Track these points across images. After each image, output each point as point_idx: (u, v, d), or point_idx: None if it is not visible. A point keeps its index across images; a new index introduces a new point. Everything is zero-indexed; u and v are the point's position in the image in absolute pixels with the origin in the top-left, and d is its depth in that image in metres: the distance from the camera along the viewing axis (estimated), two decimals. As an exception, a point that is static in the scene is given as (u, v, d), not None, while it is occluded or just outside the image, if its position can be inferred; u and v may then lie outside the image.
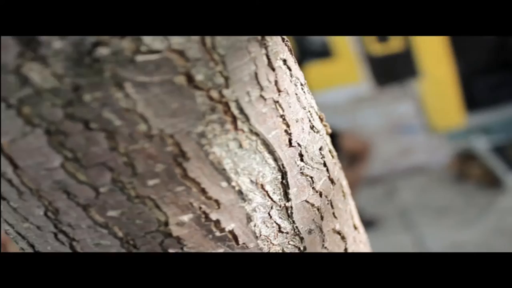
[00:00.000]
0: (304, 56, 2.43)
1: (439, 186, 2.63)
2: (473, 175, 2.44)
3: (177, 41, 0.24)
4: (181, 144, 0.26)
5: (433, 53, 2.35)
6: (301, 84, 0.32)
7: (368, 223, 2.33)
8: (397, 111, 2.55)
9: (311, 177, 0.32)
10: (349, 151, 1.95)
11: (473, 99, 2.55)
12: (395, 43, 2.35)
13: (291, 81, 0.30)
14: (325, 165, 0.33)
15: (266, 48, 0.28)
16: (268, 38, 0.28)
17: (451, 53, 2.38)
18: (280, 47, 0.29)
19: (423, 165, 2.67)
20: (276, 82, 0.29)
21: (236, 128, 0.27)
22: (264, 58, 0.28)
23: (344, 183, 0.37)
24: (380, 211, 2.48)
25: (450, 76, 2.41)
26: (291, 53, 0.31)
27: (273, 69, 0.28)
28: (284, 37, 0.30)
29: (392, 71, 2.40)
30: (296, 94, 0.31)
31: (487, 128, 2.53)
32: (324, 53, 2.47)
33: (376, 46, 2.37)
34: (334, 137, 1.33)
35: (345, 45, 2.40)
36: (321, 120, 0.35)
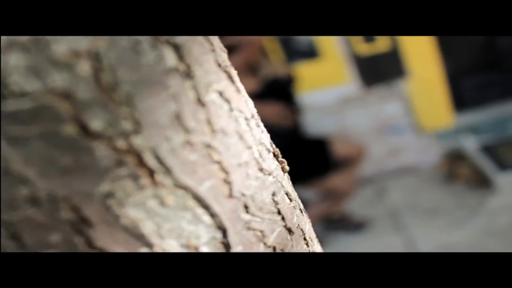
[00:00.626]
0: (291, 56, 2.38)
1: (428, 186, 2.59)
2: (462, 175, 2.41)
3: (57, 78, 0.18)
4: (81, 207, 0.20)
5: (421, 53, 2.31)
6: (246, 118, 0.26)
7: (358, 225, 2.30)
8: (385, 112, 2.51)
9: (261, 231, 0.26)
10: (342, 157, 1.90)
11: (461, 99, 2.52)
12: (381, 43, 2.30)
13: (230, 117, 0.24)
14: (279, 213, 0.28)
15: (192, 79, 0.22)
16: (196, 66, 0.22)
17: (438, 53, 2.34)
18: (214, 75, 0.24)
19: (412, 166, 2.63)
20: (208, 121, 0.23)
21: (154, 183, 0.21)
22: (190, 92, 0.22)
23: (307, 227, 0.32)
24: (369, 212, 2.44)
25: (438, 76, 2.38)
26: (232, 81, 0.26)
27: (203, 105, 0.23)
28: (221, 63, 0.25)
29: (379, 71, 2.35)
30: (238, 132, 0.25)
31: (475, 128, 2.50)
32: (311, 53, 2.41)
33: (362, 46, 2.32)
34: (324, 144, 1.28)
35: (332, 46, 2.35)
36: (276, 157, 0.29)
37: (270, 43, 2.16)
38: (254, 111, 0.28)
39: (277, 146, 0.29)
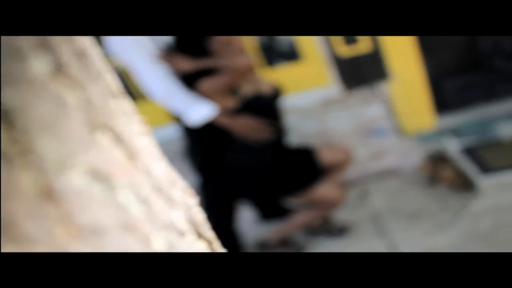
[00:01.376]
0: (272, 59, 2.32)
1: (411, 189, 2.56)
2: (445, 177, 2.38)
3: None
4: None
5: (403, 55, 2.26)
6: (142, 198, 0.18)
7: (341, 230, 2.26)
8: (367, 114, 2.46)
9: None
10: (330, 164, 1.84)
11: (443, 101, 2.48)
12: (363, 45, 2.25)
13: (106, 204, 0.16)
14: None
15: (29, 160, 0.14)
16: (38, 137, 0.14)
17: (420, 55, 2.30)
18: (78, 145, 0.16)
19: (395, 168, 2.60)
20: (62, 219, 0.15)
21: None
22: (26, 182, 0.14)
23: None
24: (352, 216, 2.39)
25: (419, 78, 2.34)
26: (120, 142, 0.18)
27: (51, 197, 0.15)
28: (96, 117, 0.17)
29: (361, 74, 2.30)
30: (123, 224, 0.17)
31: (458, 130, 2.47)
32: (292, 55, 2.35)
33: (344, 48, 2.26)
34: (310, 153, 1.22)
35: (313, 48, 2.28)
36: (200, 236, 0.21)
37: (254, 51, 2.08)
38: (167, 178, 0.20)
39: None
